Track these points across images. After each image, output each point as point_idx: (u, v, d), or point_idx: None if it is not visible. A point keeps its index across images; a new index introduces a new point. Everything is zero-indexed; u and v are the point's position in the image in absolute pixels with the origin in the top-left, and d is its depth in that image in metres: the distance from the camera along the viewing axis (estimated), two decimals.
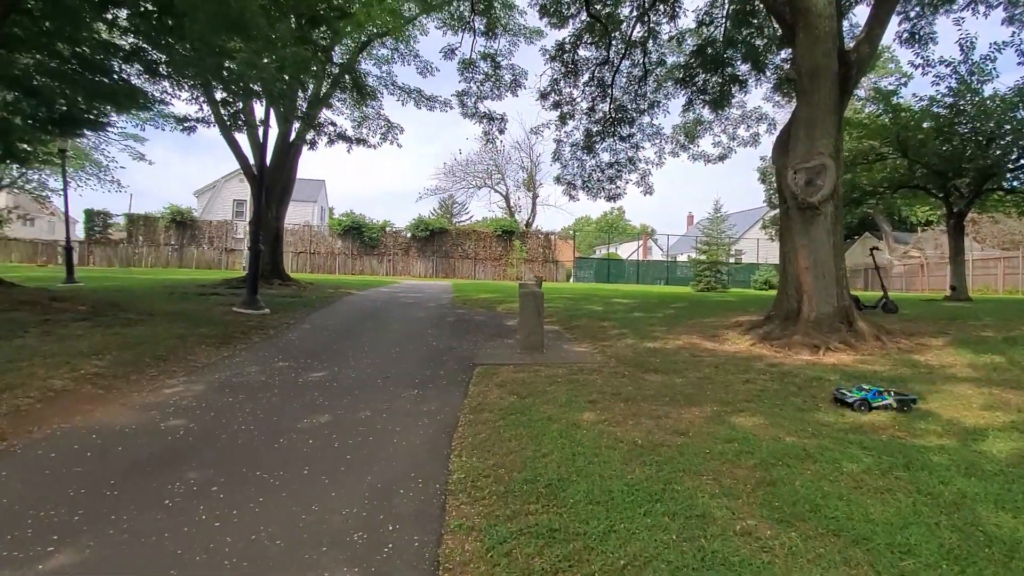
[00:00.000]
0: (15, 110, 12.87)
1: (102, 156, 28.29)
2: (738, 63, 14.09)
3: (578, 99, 16.13)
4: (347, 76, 15.27)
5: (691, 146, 17.06)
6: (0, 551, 2.26)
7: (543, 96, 16.07)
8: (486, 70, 15.90)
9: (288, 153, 16.38)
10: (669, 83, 15.56)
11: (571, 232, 42.54)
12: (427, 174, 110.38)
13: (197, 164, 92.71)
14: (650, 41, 14.77)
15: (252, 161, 14.86)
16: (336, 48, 15.30)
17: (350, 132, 17.53)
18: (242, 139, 15.31)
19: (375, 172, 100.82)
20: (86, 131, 16.97)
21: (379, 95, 17.58)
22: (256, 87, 8.07)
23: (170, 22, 9.61)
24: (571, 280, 32.80)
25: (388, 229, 33.32)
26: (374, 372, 5.80)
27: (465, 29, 15.59)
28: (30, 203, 34.53)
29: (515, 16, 16.14)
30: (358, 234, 31.93)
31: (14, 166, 22.61)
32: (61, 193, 28.01)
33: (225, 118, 12.94)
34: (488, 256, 33.11)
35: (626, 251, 45.96)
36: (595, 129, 16.27)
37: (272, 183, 15.30)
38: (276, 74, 7.36)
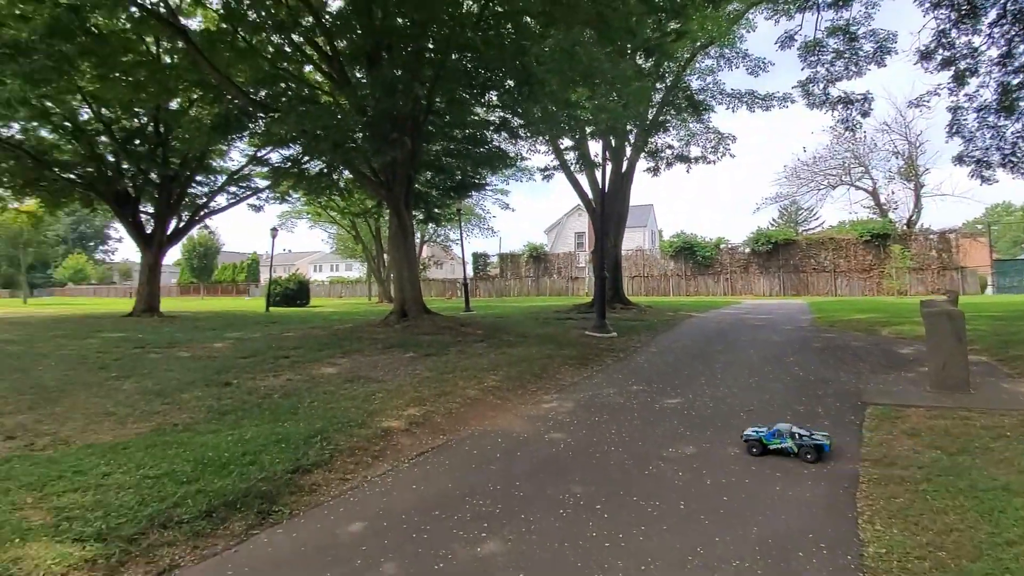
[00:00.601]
0: (431, 185, 17.59)
1: (480, 210, 36.32)
2: None
3: (981, 47, 11.99)
4: (677, 95, 15.32)
5: None
6: (451, 528, 2.81)
7: (925, 56, 12.56)
8: (836, 46, 13.49)
9: (622, 184, 17.42)
10: None
11: (984, 227, 31.64)
12: (764, 182, 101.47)
13: (545, 205, 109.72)
14: None
15: (590, 196, 16.38)
16: (661, 70, 15.60)
17: (685, 152, 17.49)
18: (580, 177, 17.14)
19: (702, 189, 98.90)
20: (472, 192, 21.82)
21: (709, 107, 17.03)
22: (602, 127, 8.81)
23: (527, 91, 11.49)
24: (989, 291, 24.29)
25: (723, 246, 31.69)
26: (734, 403, 5.33)
27: (805, 8, 13.64)
28: (440, 252, 46.79)
29: None
30: (690, 254, 31.46)
31: (431, 226, 31.03)
32: (458, 242, 37.43)
33: (570, 162, 14.68)
34: (853, 267, 27.66)
35: None
36: (1014, 81, 11.76)
37: (609, 214, 16.48)
38: (621, 112, 7.85)
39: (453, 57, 11.68)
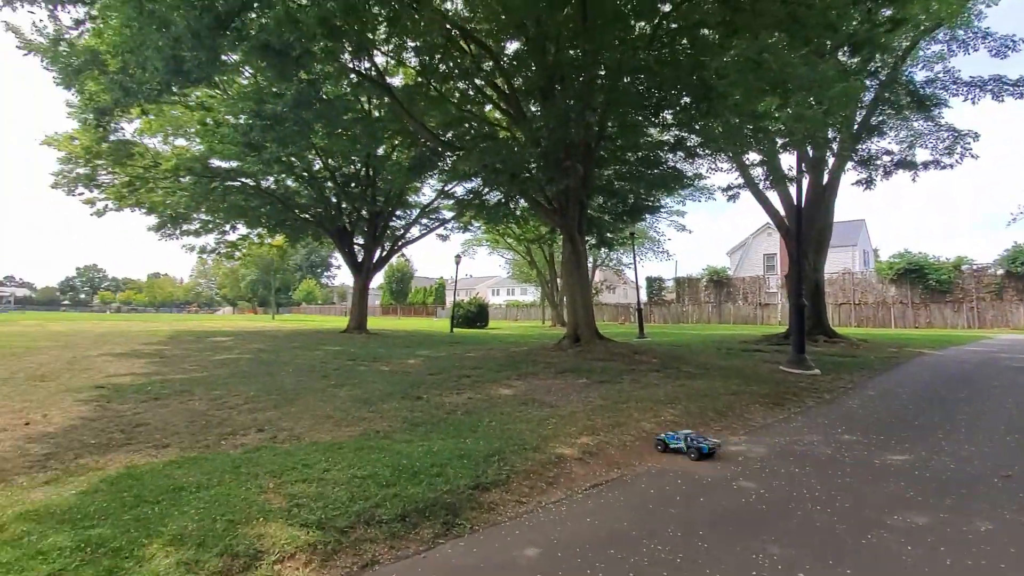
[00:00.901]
0: (604, 210, 17.55)
1: (655, 232, 35.08)
2: None
3: None
4: (895, 91, 13.10)
5: None
6: (627, 571, 2.63)
7: None
8: None
9: (823, 198, 15.37)
10: None
11: None
12: (1021, 186, 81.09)
13: (727, 225, 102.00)
14: None
15: (783, 213, 14.73)
16: (872, 66, 13.51)
17: (909, 156, 14.77)
18: (771, 193, 15.53)
19: (931, 199, 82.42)
20: (646, 215, 21.22)
21: (940, 101, 14.20)
22: (798, 138, 7.90)
23: (706, 106, 10.88)
24: None
25: (965, 267, 25.76)
26: (983, 465, 4.21)
27: None
28: (612, 276, 46.31)
29: None
30: (918, 277, 26.13)
31: (604, 250, 30.89)
32: (631, 266, 36.65)
33: (757, 178, 13.44)
34: None
35: None
36: None
37: (807, 232, 14.63)
38: (821, 119, 6.96)
39: (625, 80, 11.64)
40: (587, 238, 15.44)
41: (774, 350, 11.74)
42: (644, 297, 37.58)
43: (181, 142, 18.51)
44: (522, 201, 16.01)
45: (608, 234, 18.19)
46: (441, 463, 3.84)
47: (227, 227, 22.68)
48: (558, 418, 5.48)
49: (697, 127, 12.33)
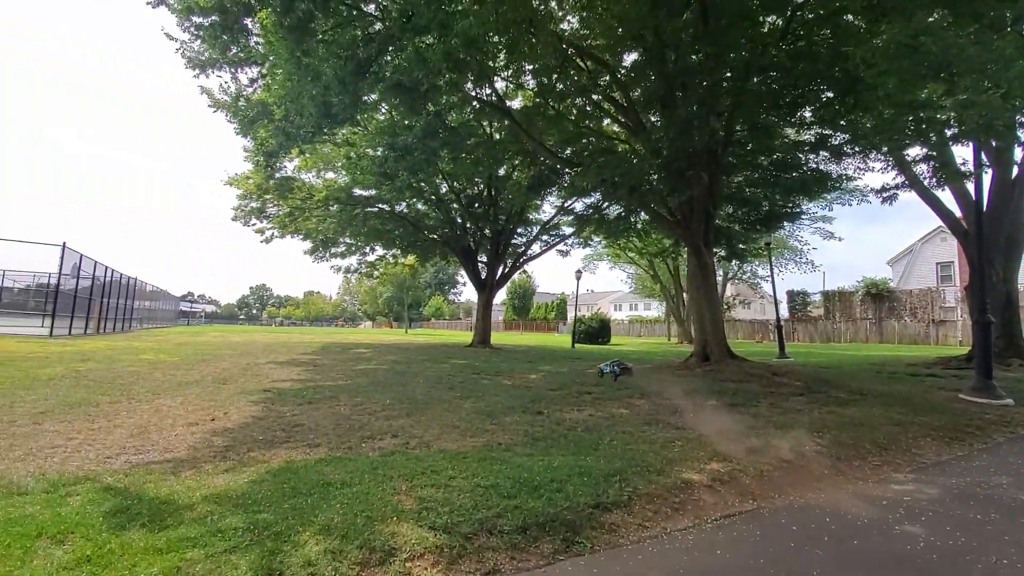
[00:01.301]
0: (733, 219, 16.44)
1: (796, 241, 31.93)
2: None
3: None
4: None
5: None
6: None
7: None
8: None
9: (1011, 195, 12.93)
10: None
11: None
12: None
13: (885, 231, 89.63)
14: None
15: (959, 214, 12.64)
16: None
17: None
18: (941, 192, 13.39)
19: None
20: (784, 223, 19.49)
21: None
22: (971, 126, 6.78)
23: (852, 100, 9.77)
24: None
25: None
26: None
27: None
28: (746, 290, 42.96)
29: None
30: None
31: (735, 262, 28.79)
32: (768, 279, 33.67)
33: (922, 175, 11.71)
34: None
35: None
36: None
37: (992, 236, 12.38)
38: (1000, 104, 5.91)
39: (754, 80, 10.90)
40: (715, 250, 14.58)
41: (952, 375, 10.00)
42: (785, 313, 34.32)
43: (330, 175, 20.92)
44: (643, 214, 15.60)
45: (739, 245, 17.00)
46: (561, 479, 3.83)
47: (367, 249, 25.07)
48: (684, 441, 5.19)
49: (842, 123, 11.11)
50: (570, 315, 64.91)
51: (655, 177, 11.71)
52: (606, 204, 15.99)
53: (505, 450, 4.71)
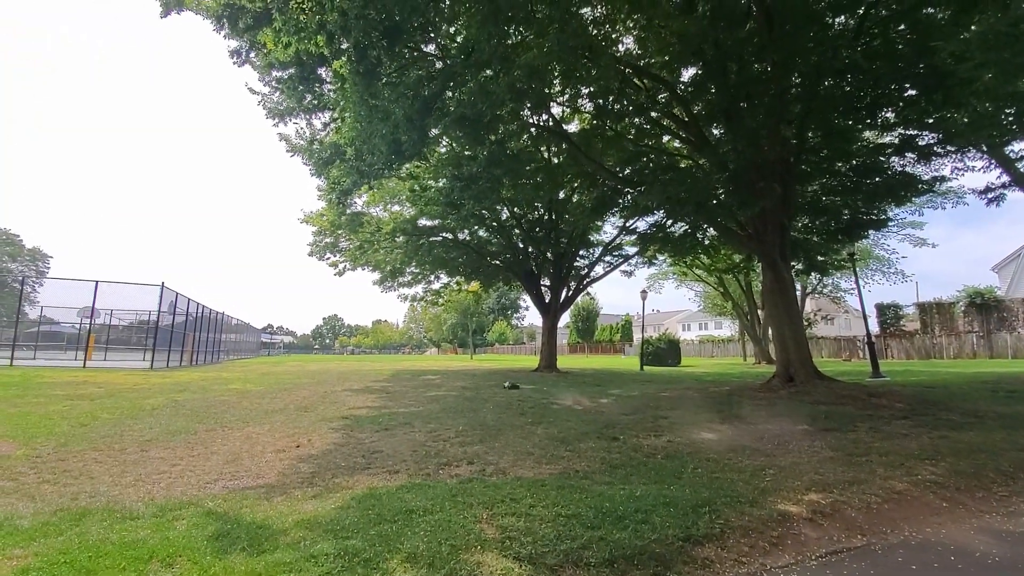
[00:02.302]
0: (811, 230, 15.55)
1: (882, 251, 29.69)
2: None
3: None
4: None
5: None
6: None
7: None
8: None
9: None
10: None
11: None
12: None
13: (984, 234, 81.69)
14: None
15: None
16: None
17: None
18: None
19: None
20: (868, 232, 18.20)
21: None
22: None
23: (940, 96, 9.10)
24: None
25: None
26: None
27: None
28: (828, 305, 40.22)
29: None
30: None
31: (814, 276, 27.07)
32: (853, 292, 31.40)
33: None
34: None
35: None
36: None
37: None
38: None
39: (826, 84, 10.40)
40: (792, 263, 13.80)
41: None
42: (875, 328, 31.79)
43: (396, 208, 21.80)
44: (711, 230, 15.09)
45: (819, 257, 16.02)
46: (645, 509, 3.66)
47: (432, 277, 25.75)
48: (776, 469, 4.85)
49: (929, 122, 10.34)
50: (636, 336, 63.42)
51: (722, 191, 11.33)
52: (670, 222, 15.61)
53: (583, 478, 4.58)
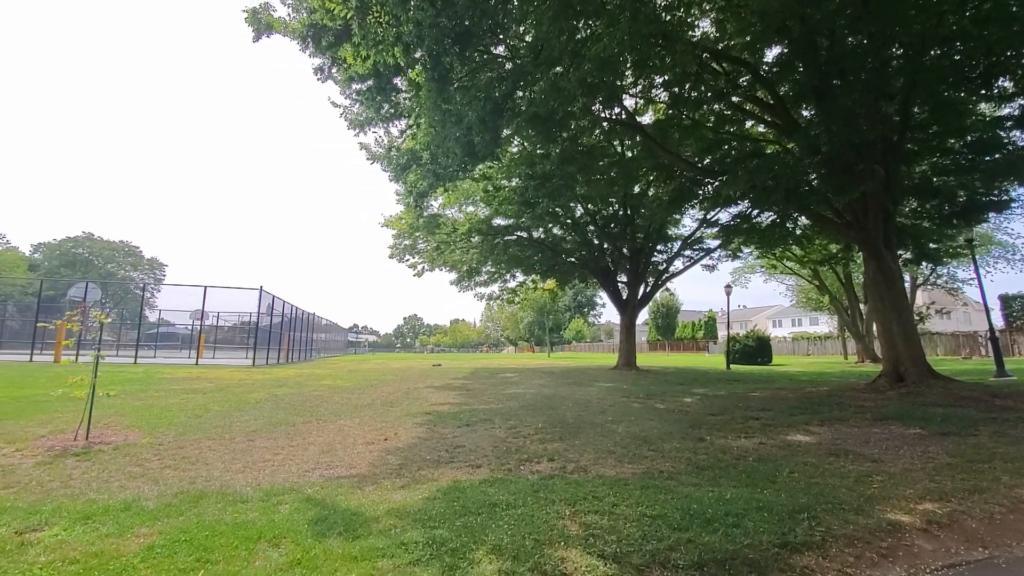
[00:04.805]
0: (920, 215, 14.11)
1: (1005, 235, 26.38)
2: None
3: None
4: None
5: None
6: None
7: None
8: None
9: None
10: None
11: None
12: None
13: None
14: None
15: None
16: None
17: None
18: None
19: None
20: (988, 214, 16.25)
21: None
22: None
23: None
24: None
25: None
26: None
27: None
28: (943, 297, 36.19)
29: None
30: None
31: (925, 265, 24.48)
32: (972, 282, 28.10)
33: None
34: None
35: None
36: None
37: None
38: None
39: (932, 54, 9.39)
40: (899, 252, 12.61)
41: None
42: (999, 322, 28.28)
43: (470, 208, 22.26)
44: (803, 218, 14.10)
45: (931, 244, 14.51)
46: (737, 513, 3.49)
47: (507, 276, 26.03)
48: (884, 476, 4.45)
49: None
50: (721, 333, 60.63)
51: (815, 176, 10.55)
52: (756, 211, 14.76)
53: (668, 478, 4.45)
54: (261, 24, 9.69)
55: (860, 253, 13.37)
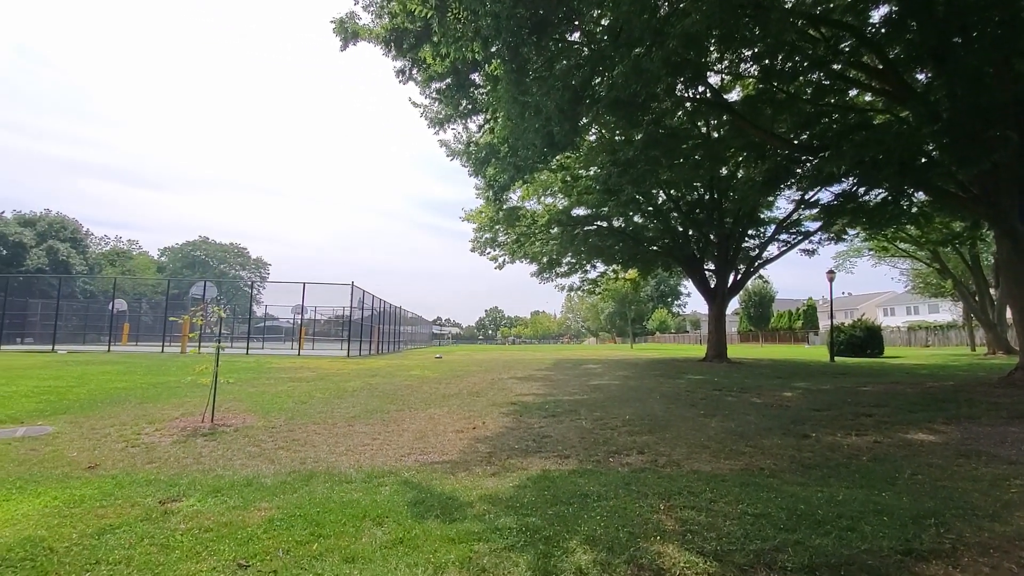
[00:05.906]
0: None
1: None
2: None
3: None
4: None
5: None
6: None
7: None
8: None
9: None
10: None
11: None
12: None
13: None
14: None
15: None
16: None
17: None
18: None
19: None
20: None
21: None
22: None
23: None
24: None
25: None
26: None
27: None
28: None
29: None
30: None
31: None
32: None
33: None
34: None
35: None
36: None
37: None
38: None
39: None
40: None
41: None
42: None
43: (549, 200, 22.19)
44: (919, 194, 12.69)
45: None
46: (851, 515, 3.22)
47: (588, 266, 25.70)
48: None
49: None
50: (823, 323, 56.28)
51: (935, 147, 9.44)
52: (863, 189, 13.48)
53: (770, 476, 4.20)
54: (348, 33, 10.20)
55: (990, 231, 11.79)
